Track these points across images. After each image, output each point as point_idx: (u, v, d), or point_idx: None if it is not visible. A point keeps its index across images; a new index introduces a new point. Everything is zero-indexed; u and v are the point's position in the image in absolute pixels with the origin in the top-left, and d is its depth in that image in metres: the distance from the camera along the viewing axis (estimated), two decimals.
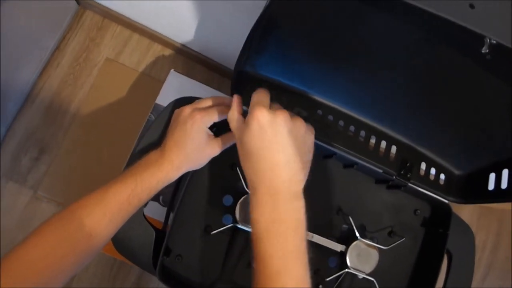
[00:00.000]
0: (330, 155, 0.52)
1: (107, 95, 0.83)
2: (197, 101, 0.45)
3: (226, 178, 0.52)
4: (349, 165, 0.53)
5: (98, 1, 0.80)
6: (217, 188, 0.52)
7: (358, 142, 0.51)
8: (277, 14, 0.29)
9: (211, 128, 0.44)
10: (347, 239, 0.53)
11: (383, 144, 0.52)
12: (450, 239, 0.52)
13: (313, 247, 0.49)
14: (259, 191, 0.35)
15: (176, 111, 0.45)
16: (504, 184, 0.46)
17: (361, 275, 0.51)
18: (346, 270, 0.51)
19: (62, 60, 0.82)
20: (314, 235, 0.51)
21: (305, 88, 0.49)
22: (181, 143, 0.42)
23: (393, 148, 0.52)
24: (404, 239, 0.54)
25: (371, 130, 0.51)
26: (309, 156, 0.39)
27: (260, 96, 0.38)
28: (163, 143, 0.44)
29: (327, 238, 0.52)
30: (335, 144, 0.49)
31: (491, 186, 0.48)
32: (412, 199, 0.56)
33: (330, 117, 0.50)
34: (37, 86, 0.81)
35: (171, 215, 0.55)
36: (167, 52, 0.86)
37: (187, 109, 0.43)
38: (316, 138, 0.49)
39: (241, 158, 0.38)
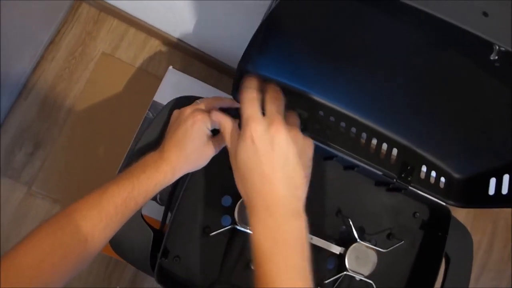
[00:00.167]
0: (331, 157, 0.51)
1: (103, 90, 0.82)
2: (197, 101, 0.44)
3: (225, 178, 0.51)
4: (349, 167, 0.53)
5: None
6: (215, 189, 0.51)
7: (359, 144, 0.50)
8: (281, 16, 0.28)
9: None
10: (346, 241, 0.53)
11: (384, 146, 0.51)
12: (449, 242, 0.52)
13: (311, 248, 0.49)
14: (258, 212, 0.34)
15: (176, 111, 0.45)
16: (504, 190, 0.46)
17: (359, 277, 0.51)
18: (345, 272, 0.51)
19: (57, 54, 0.81)
20: (313, 237, 0.51)
21: (307, 89, 0.48)
22: (182, 144, 0.41)
23: (394, 151, 0.52)
24: (403, 242, 0.54)
25: (372, 132, 0.51)
26: (308, 170, 0.37)
27: (251, 103, 0.35)
28: (162, 143, 0.43)
29: (326, 240, 0.52)
30: (336, 146, 0.49)
31: (491, 191, 0.48)
32: (411, 202, 0.56)
33: (332, 119, 0.50)
34: (31, 80, 0.79)
35: (169, 216, 0.54)
36: (164, 47, 0.85)
37: (188, 110, 0.42)
38: (317, 139, 0.49)
39: (236, 173, 0.36)
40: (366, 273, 0.52)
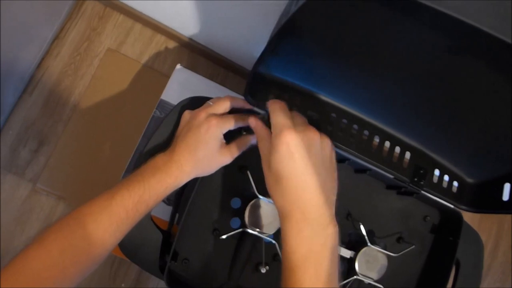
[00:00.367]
0: (343, 160, 0.50)
1: (108, 86, 0.81)
2: (209, 102, 0.43)
3: (234, 180, 0.51)
4: (361, 170, 0.52)
5: None
6: (225, 191, 0.50)
7: (372, 147, 0.49)
8: (300, 20, 0.27)
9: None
10: (356, 244, 0.52)
11: (397, 149, 0.50)
12: (459, 247, 0.51)
13: None
14: (294, 218, 0.33)
15: (187, 112, 0.44)
16: None
17: (368, 281, 0.51)
18: (355, 277, 0.50)
19: (62, 50, 0.80)
20: None
21: (319, 90, 0.47)
22: (193, 148, 0.40)
23: (407, 154, 0.51)
24: (414, 246, 0.53)
25: (385, 135, 0.50)
26: (335, 175, 0.37)
27: (282, 114, 0.36)
28: (172, 146, 0.42)
29: None
30: (348, 149, 0.48)
31: (505, 196, 0.47)
32: (422, 206, 0.55)
33: (344, 121, 0.49)
34: (36, 77, 0.78)
35: (177, 216, 0.54)
36: (171, 44, 0.84)
37: (202, 113, 0.41)
38: None
39: (269, 182, 0.35)
40: (376, 277, 0.51)
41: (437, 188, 0.51)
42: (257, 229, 0.48)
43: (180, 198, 0.53)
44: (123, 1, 0.78)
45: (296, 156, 0.33)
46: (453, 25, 0.25)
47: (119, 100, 0.81)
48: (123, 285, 0.78)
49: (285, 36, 0.29)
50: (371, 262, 0.51)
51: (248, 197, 0.50)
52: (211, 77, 0.75)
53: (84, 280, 0.78)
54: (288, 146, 0.33)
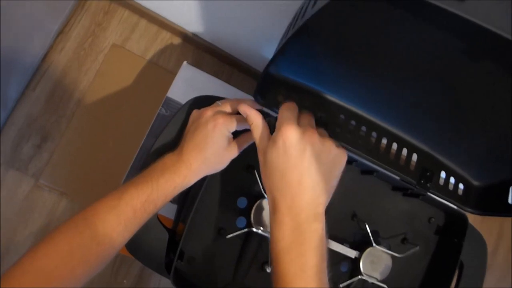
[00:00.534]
0: (351, 161, 0.50)
1: (113, 82, 0.80)
2: (218, 102, 0.43)
3: (241, 180, 0.51)
4: (368, 171, 0.52)
5: None
6: (231, 190, 0.50)
7: (380, 149, 0.49)
8: (318, 21, 0.27)
9: None
10: (361, 245, 0.52)
11: (404, 151, 0.50)
12: (463, 249, 0.51)
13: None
14: (280, 211, 0.34)
15: (195, 111, 0.43)
16: None
17: (373, 281, 0.51)
18: (359, 277, 0.51)
19: (66, 45, 0.79)
20: (330, 241, 0.50)
21: (329, 91, 0.47)
22: (202, 146, 0.40)
23: (414, 156, 0.51)
24: (418, 247, 0.54)
25: (393, 137, 0.50)
26: (336, 181, 0.38)
27: (289, 112, 0.36)
28: (181, 145, 0.42)
29: (341, 243, 0.51)
30: (356, 151, 0.48)
31: (511, 199, 0.47)
32: (427, 207, 0.55)
33: (353, 122, 0.49)
34: (39, 71, 0.78)
35: (183, 213, 0.54)
36: (176, 40, 0.83)
37: (209, 112, 0.41)
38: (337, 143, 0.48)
39: (263, 172, 0.36)
40: (380, 277, 0.51)
41: (443, 190, 0.51)
42: (263, 229, 0.48)
43: (185, 196, 0.53)
44: None
45: (291, 152, 0.34)
46: (459, 25, 0.25)
47: (123, 96, 0.81)
48: (125, 281, 0.79)
49: (300, 37, 0.29)
50: (376, 262, 0.51)
51: (254, 197, 0.50)
52: (216, 74, 0.75)
53: None
54: (285, 141, 0.34)
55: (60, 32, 0.79)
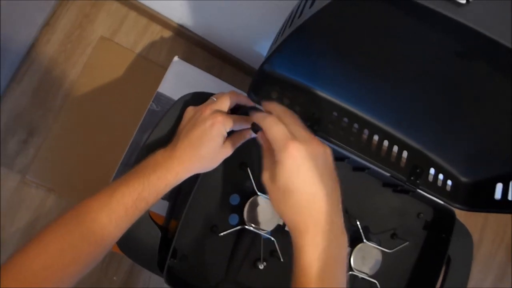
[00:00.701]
0: (342, 158, 0.51)
1: (101, 76, 0.79)
2: (213, 98, 0.43)
3: (233, 177, 0.51)
4: (359, 168, 0.53)
5: None
6: (224, 187, 0.50)
7: (371, 146, 0.50)
8: (317, 21, 0.27)
9: None
10: (352, 241, 0.53)
11: (395, 149, 0.51)
12: (451, 243, 0.52)
13: None
14: (309, 233, 0.32)
15: (191, 108, 0.43)
16: (511, 195, 0.46)
17: (363, 276, 0.52)
18: (350, 272, 0.51)
19: (52, 37, 0.77)
20: None
21: (322, 89, 0.47)
22: (197, 144, 0.40)
23: (404, 153, 0.51)
24: (408, 243, 0.55)
25: (384, 134, 0.51)
26: (338, 182, 0.37)
27: (279, 127, 0.34)
28: (174, 141, 0.41)
29: None
30: (348, 148, 0.48)
31: (497, 195, 0.48)
32: (416, 203, 0.56)
33: (345, 120, 0.49)
34: (25, 64, 0.76)
35: (175, 210, 0.53)
36: (166, 33, 0.82)
37: (207, 110, 0.40)
38: (330, 140, 0.48)
39: (276, 196, 0.34)
40: (371, 272, 0.52)
41: (432, 186, 0.52)
42: (256, 226, 0.48)
43: (177, 193, 0.52)
44: None
45: (303, 169, 0.32)
46: (456, 30, 0.26)
47: (112, 90, 0.79)
48: (115, 278, 0.78)
49: (298, 36, 0.29)
50: (366, 258, 0.52)
51: (247, 194, 0.50)
52: (207, 68, 0.74)
53: None
54: (294, 159, 0.32)
55: (46, 24, 0.76)
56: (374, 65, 0.41)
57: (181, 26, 0.78)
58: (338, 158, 0.52)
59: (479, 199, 0.52)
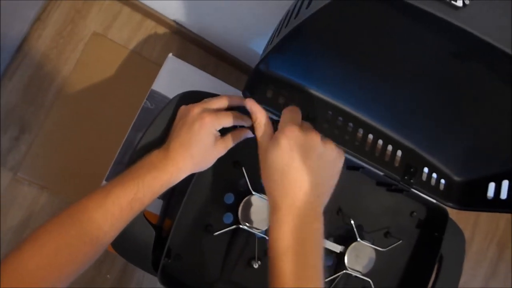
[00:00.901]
0: None
1: (94, 72, 0.78)
2: (207, 100, 0.42)
3: (228, 176, 0.50)
4: (353, 167, 0.53)
5: None
6: (218, 186, 0.50)
7: (366, 146, 0.50)
8: (315, 21, 0.27)
9: None
10: (346, 239, 0.53)
11: (389, 148, 0.51)
12: (443, 242, 0.53)
13: None
14: (281, 210, 0.34)
15: (183, 107, 0.43)
16: (503, 195, 0.47)
17: (357, 275, 0.52)
18: (344, 271, 0.52)
19: (43, 32, 0.75)
20: None
21: (318, 88, 0.47)
22: (187, 144, 0.39)
23: (399, 152, 0.52)
24: (401, 241, 0.55)
25: (378, 134, 0.51)
26: (334, 181, 0.38)
27: (293, 114, 0.37)
28: (167, 142, 0.41)
29: (326, 238, 0.52)
30: (344, 148, 0.48)
31: (490, 194, 0.49)
32: (410, 202, 0.57)
33: (340, 119, 0.49)
34: (16, 60, 0.74)
35: (169, 209, 0.53)
36: (161, 30, 0.81)
37: (196, 109, 0.40)
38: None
39: (264, 172, 0.36)
40: (364, 271, 0.53)
41: (426, 185, 0.52)
42: (250, 225, 0.48)
43: (172, 191, 0.52)
44: None
45: (294, 153, 0.34)
46: (452, 32, 0.26)
47: (105, 87, 0.78)
48: (108, 276, 0.78)
49: (295, 36, 0.29)
50: (360, 256, 0.53)
51: (241, 193, 0.50)
52: (202, 66, 0.73)
53: None
54: (289, 142, 0.34)
55: (37, 19, 0.75)
56: (370, 66, 0.41)
57: (176, 22, 0.77)
58: None
59: (472, 198, 0.52)
